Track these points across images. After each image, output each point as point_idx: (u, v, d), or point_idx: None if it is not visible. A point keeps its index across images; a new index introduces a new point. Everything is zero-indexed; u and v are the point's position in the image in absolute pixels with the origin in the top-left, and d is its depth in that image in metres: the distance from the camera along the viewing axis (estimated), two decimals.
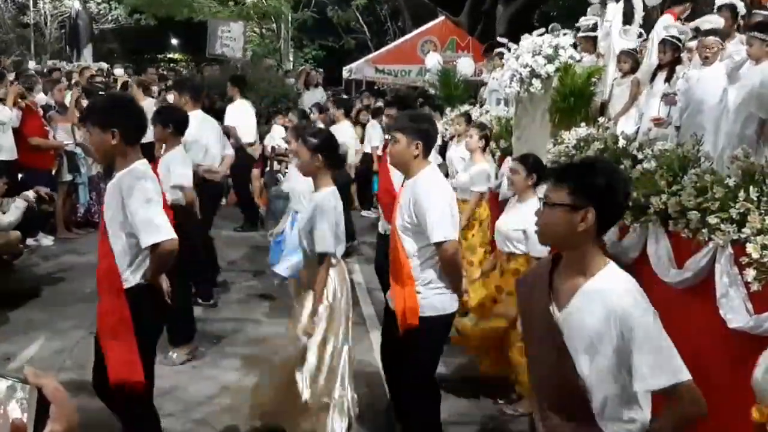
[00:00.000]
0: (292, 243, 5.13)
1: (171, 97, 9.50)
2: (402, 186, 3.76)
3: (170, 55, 32.47)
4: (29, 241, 8.01)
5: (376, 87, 18.53)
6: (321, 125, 7.95)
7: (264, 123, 10.78)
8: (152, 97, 11.26)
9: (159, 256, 3.23)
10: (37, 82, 9.22)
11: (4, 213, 6.49)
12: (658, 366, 2.05)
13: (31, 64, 15.22)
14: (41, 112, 8.48)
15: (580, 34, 8.39)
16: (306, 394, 3.76)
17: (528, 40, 6.52)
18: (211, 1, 21.20)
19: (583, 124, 5.68)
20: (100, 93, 9.95)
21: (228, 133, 8.21)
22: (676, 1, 7.89)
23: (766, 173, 3.39)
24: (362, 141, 10.70)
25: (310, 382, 3.78)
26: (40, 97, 8.99)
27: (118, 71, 15.35)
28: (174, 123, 5.20)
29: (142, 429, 3.58)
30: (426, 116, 4.07)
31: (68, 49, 19.16)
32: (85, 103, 9.23)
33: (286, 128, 9.41)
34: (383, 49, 18.27)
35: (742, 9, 7.73)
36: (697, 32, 6.86)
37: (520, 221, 4.36)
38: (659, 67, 7.01)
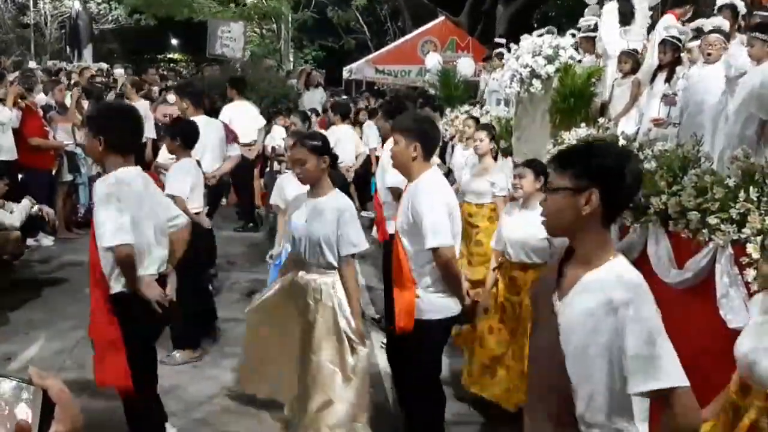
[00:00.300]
0: None
1: (171, 97, 9.51)
2: (405, 189, 3.74)
3: (170, 56, 32.46)
4: (29, 242, 8.00)
5: (376, 87, 18.54)
6: (317, 128, 8.03)
7: (264, 123, 10.78)
8: (150, 97, 11.28)
9: (117, 260, 3.33)
10: (38, 82, 9.22)
11: (11, 213, 6.55)
12: (650, 367, 1.88)
13: (32, 65, 15.22)
14: (41, 112, 8.48)
15: (580, 35, 8.40)
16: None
17: (528, 41, 6.53)
18: (211, 1, 21.20)
19: (583, 124, 5.69)
20: (101, 94, 9.99)
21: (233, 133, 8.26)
22: (677, 3, 7.90)
23: (766, 174, 3.39)
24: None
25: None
26: (41, 98, 9.00)
27: (118, 71, 15.36)
28: (181, 136, 5.31)
29: (141, 428, 3.65)
30: (426, 118, 4.03)
31: (68, 49, 19.17)
32: (85, 104, 9.24)
33: (286, 129, 9.42)
34: (383, 50, 18.28)
35: (742, 9, 7.74)
36: (698, 32, 6.86)
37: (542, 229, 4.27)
38: (659, 68, 7.01)
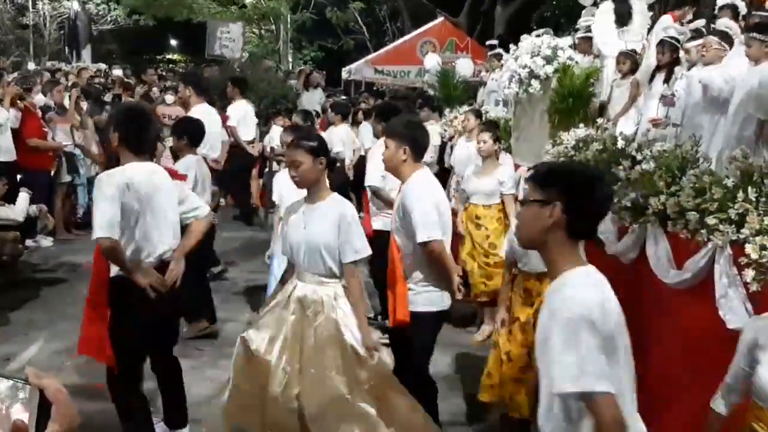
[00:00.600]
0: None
1: (170, 98, 9.51)
2: (399, 191, 3.88)
3: (169, 56, 32.43)
4: (29, 242, 8.01)
5: (375, 88, 18.54)
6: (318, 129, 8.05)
7: (263, 124, 10.79)
8: (150, 97, 11.30)
9: (102, 251, 3.55)
10: (36, 83, 9.22)
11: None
12: (564, 369, 1.99)
13: (31, 65, 15.23)
14: (40, 113, 8.48)
15: (579, 35, 8.41)
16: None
17: (527, 41, 6.53)
18: (211, 2, 21.20)
19: (581, 125, 5.69)
20: (99, 95, 9.99)
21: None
22: (678, 3, 7.91)
23: (764, 174, 3.39)
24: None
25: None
26: (39, 98, 9.00)
27: (117, 72, 15.37)
28: (188, 135, 5.40)
29: (129, 416, 3.82)
30: (414, 122, 4.18)
31: (67, 50, 19.17)
32: (84, 105, 9.23)
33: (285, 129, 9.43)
34: (382, 50, 18.28)
35: (743, 9, 7.75)
36: (698, 33, 6.87)
37: None
38: (658, 68, 7.01)
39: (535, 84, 6.31)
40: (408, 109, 7.22)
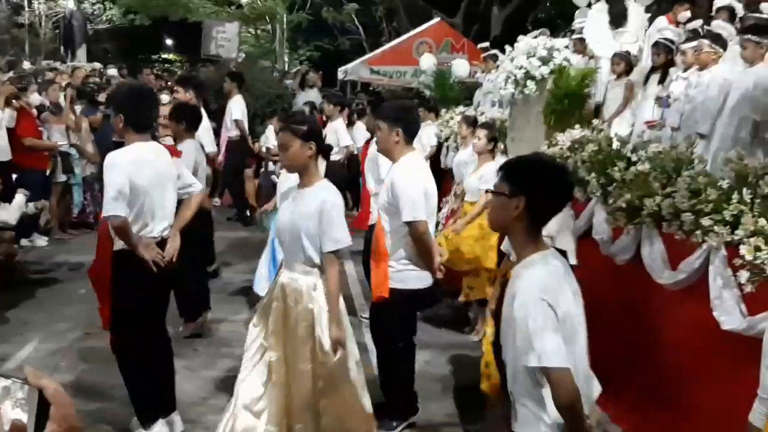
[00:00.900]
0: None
1: (165, 98, 9.50)
2: (388, 171, 4.10)
3: (165, 56, 32.35)
4: (24, 242, 7.99)
5: (371, 88, 18.52)
6: None
7: (259, 123, 10.79)
8: None
9: (111, 227, 3.76)
10: (32, 82, 9.19)
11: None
12: (526, 346, 2.22)
13: (26, 65, 15.16)
14: (35, 112, 8.46)
15: (574, 36, 8.43)
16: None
17: (523, 42, 6.54)
18: (206, 1, 21.15)
19: (577, 125, 5.70)
20: (93, 94, 9.96)
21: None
22: (674, 2, 7.91)
23: (759, 175, 3.41)
24: None
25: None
26: (35, 98, 8.96)
27: (112, 71, 15.32)
28: (186, 119, 5.54)
29: (134, 387, 3.94)
30: (405, 105, 4.46)
31: (62, 49, 19.11)
32: (78, 108, 9.17)
33: None
34: (378, 50, 18.23)
35: (740, 11, 7.77)
36: (694, 34, 6.89)
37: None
38: (652, 70, 7.03)
39: (531, 85, 6.32)
40: None
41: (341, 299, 3.59)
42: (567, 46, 6.66)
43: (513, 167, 2.48)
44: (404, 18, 21.66)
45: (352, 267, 7.95)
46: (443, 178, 7.54)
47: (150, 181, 3.75)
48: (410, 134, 4.00)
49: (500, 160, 6.15)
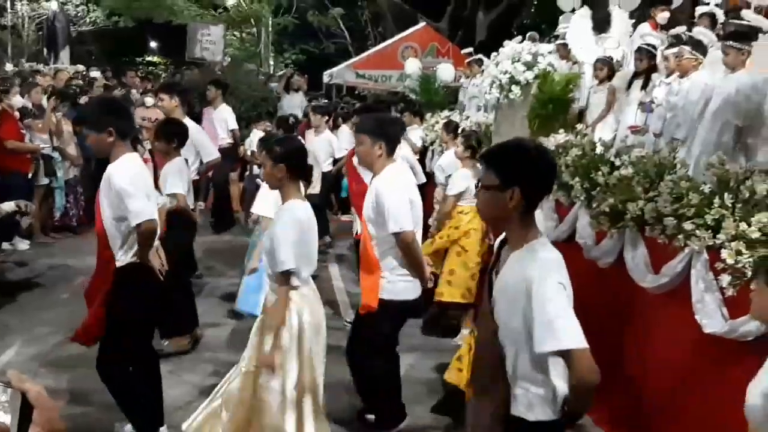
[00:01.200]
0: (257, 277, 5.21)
1: (150, 100, 9.45)
2: (370, 182, 4.05)
3: (149, 58, 32.17)
4: (5, 245, 7.91)
5: (357, 92, 18.52)
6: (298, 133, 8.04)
7: (244, 127, 10.76)
8: (129, 100, 11.22)
9: (141, 234, 3.69)
10: (14, 84, 9.11)
11: None
12: (548, 331, 2.18)
13: (8, 66, 15.04)
14: (18, 115, 8.38)
15: (557, 42, 8.49)
16: None
17: (508, 47, 6.59)
18: (191, 4, 21.08)
19: (561, 130, 5.74)
20: (75, 97, 9.88)
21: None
22: (654, 3, 7.97)
23: (740, 180, 3.45)
24: None
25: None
26: (17, 100, 8.88)
27: (95, 73, 15.22)
28: (177, 137, 5.40)
29: (132, 406, 3.91)
30: (388, 118, 4.43)
31: (45, 51, 18.96)
32: (60, 115, 9.05)
33: (266, 133, 9.40)
34: (364, 54, 18.25)
35: (721, 17, 7.87)
36: (677, 39, 6.97)
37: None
38: (635, 75, 7.09)
39: (516, 90, 6.36)
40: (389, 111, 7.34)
41: (317, 311, 3.65)
42: (551, 52, 6.71)
43: (499, 157, 2.43)
44: (390, 22, 21.70)
45: (336, 270, 7.96)
46: (428, 181, 7.57)
47: (147, 192, 3.82)
48: (392, 147, 3.98)
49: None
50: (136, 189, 3.66)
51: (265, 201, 5.39)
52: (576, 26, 7.99)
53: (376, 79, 16.84)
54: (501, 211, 2.36)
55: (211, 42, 15.96)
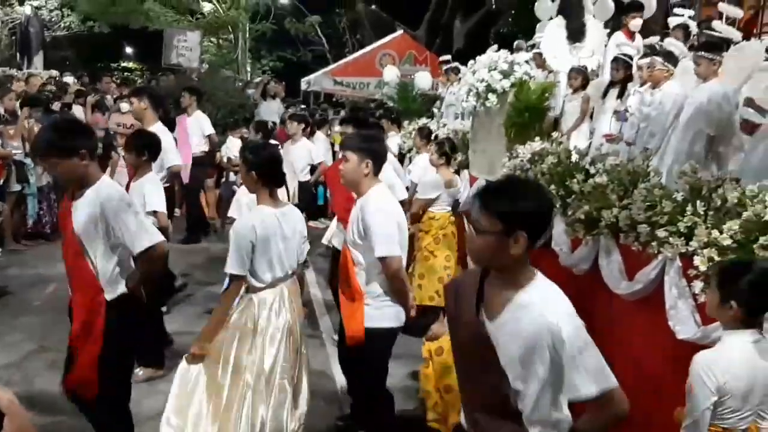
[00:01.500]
0: None
1: (125, 106, 9.36)
2: (354, 203, 3.86)
3: (125, 64, 31.94)
4: None
5: (334, 99, 18.55)
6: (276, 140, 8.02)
7: (221, 133, 10.70)
8: (105, 106, 11.12)
9: (150, 258, 3.40)
10: None
11: None
12: (589, 377, 2.13)
13: None
14: None
15: (534, 51, 8.57)
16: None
17: (485, 56, 6.64)
18: (168, 10, 20.95)
19: (537, 138, 5.78)
20: (48, 103, 9.76)
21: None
22: (630, 7, 8.07)
23: (712, 188, 3.49)
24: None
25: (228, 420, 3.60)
26: None
27: (69, 79, 15.07)
28: (149, 149, 5.19)
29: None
30: (375, 136, 4.21)
31: (19, 56, 18.74)
32: (32, 121, 8.89)
33: (242, 139, 9.37)
34: (342, 62, 18.30)
35: (694, 29, 8.00)
36: (651, 49, 7.07)
37: None
38: (611, 84, 7.18)
39: (492, 98, 6.40)
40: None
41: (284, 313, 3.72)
42: (527, 61, 6.77)
43: (498, 199, 2.20)
44: (368, 30, 21.76)
45: (313, 277, 7.93)
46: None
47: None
48: (379, 166, 3.82)
49: (464, 173, 6.31)
50: (128, 209, 3.38)
51: (240, 204, 5.41)
52: (550, 35, 8.07)
53: (353, 87, 16.90)
54: (502, 258, 2.19)
55: (187, 48, 15.87)
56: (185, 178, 8.35)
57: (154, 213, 5.11)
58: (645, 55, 6.83)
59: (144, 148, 5.16)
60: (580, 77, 7.50)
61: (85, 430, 3.99)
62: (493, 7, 19.78)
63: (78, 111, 10.88)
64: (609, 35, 8.41)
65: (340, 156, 4.30)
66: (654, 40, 8.35)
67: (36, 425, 0.96)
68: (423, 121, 9.69)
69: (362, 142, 3.83)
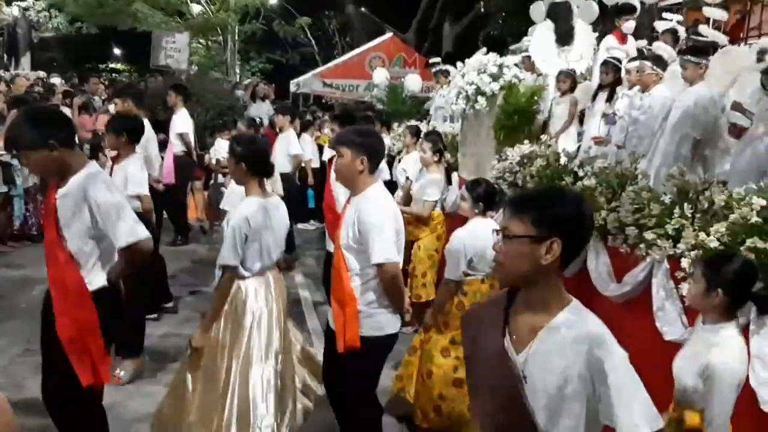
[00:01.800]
0: None
1: (112, 108, 9.33)
2: (348, 202, 3.64)
3: (113, 65, 31.74)
4: None
5: (323, 101, 18.54)
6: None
7: (209, 135, 10.67)
8: (92, 106, 11.07)
9: (132, 254, 3.31)
10: None
11: None
12: (640, 416, 1.85)
13: None
14: None
15: (523, 54, 8.60)
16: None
17: (474, 59, 6.66)
18: (156, 11, 20.86)
19: (526, 141, 5.80)
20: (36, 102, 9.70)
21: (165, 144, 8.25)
22: (623, 10, 8.11)
23: (699, 191, 3.52)
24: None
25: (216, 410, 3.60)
26: None
27: (56, 80, 14.99)
28: (127, 131, 5.12)
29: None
30: (372, 131, 3.99)
31: (6, 57, 18.62)
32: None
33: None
34: (331, 64, 18.31)
35: (683, 34, 8.05)
36: (639, 54, 7.11)
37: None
38: (600, 87, 7.22)
39: (482, 100, 6.42)
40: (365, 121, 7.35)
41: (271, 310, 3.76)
42: (517, 64, 6.80)
43: (534, 202, 1.99)
44: (358, 32, 21.78)
45: (302, 279, 7.92)
46: (393, 190, 7.61)
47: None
48: (375, 163, 3.54)
49: (442, 171, 6.30)
50: (118, 201, 3.26)
51: (235, 195, 5.37)
52: (540, 38, 8.10)
53: (343, 89, 16.90)
54: (533, 268, 1.92)
55: (176, 50, 15.80)
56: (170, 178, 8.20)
57: (138, 197, 5.06)
58: (634, 59, 6.87)
59: (123, 130, 5.09)
60: (569, 80, 7.53)
61: None
62: (482, 10, 19.84)
63: (65, 112, 10.81)
64: (598, 39, 8.45)
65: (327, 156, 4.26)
66: (642, 44, 8.41)
67: (23, 428, 0.96)
68: (412, 123, 9.71)
69: (357, 136, 3.54)
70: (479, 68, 6.48)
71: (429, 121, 9.88)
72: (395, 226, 3.48)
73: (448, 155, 6.71)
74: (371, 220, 3.37)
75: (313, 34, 25.31)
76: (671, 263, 3.39)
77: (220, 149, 9.47)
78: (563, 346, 1.90)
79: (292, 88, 17.45)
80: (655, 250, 3.47)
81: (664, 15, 8.87)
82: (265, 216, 3.70)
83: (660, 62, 6.28)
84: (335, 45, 25.51)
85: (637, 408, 1.85)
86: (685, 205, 3.45)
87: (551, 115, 7.64)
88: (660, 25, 8.50)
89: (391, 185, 7.59)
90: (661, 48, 7.08)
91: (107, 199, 3.22)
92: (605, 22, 9.34)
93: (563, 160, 4.96)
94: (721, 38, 7.77)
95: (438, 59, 11.83)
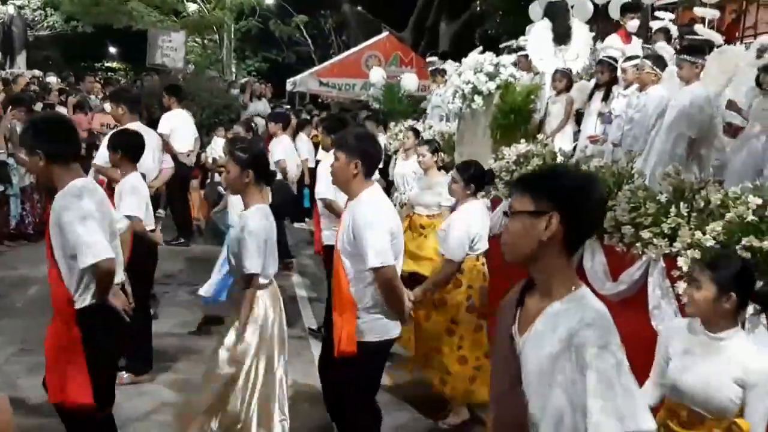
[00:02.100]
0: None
1: (108, 107, 9.29)
2: (345, 207, 3.67)
3: (108, 64, 31.68)
4: None
5: (320, 100, 18.52)
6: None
7: (205, 134, 10.65)
8: (88, 105, 11.05)
9: (98, 276, 3.19)
10: None
11: None
12: (611, 411, 1.73)
13: None
14: None
15: (520, 53, 8.60)
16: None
17: (470, 58, 6.67)
18: (152, 10, 20.83)
19: (522, 140, 5.81)
20: (31, 103, 9.67)
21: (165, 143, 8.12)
22: (628, 9, 8.12)
23: (695, 190, 3.53)
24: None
25: (242, 411, 3.64)
26: None
27: (51, 79, 14.95)
28: (123, 148, 4.89)
29: None
30: (368, 135, 3.95)
31: (1, 56, 18.56)
32: (15, 124, 8.81)
33: (227, 140, 9.32)
34: (327, 63, 18.27)
35: (675, 33, 8.06)
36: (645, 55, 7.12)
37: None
38: (596, 87, 7.23)
39: (478, 100, 6.43)
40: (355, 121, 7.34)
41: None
42: (514, 63, 6.81)
43: (536, 179, 1.99)
44: (355, 31, 21.77)
45: (299, 279, 7.92)
46: (391, 189, 7.61)
47: (104, 223, 3.31)
48: (370, 167, 3.51)
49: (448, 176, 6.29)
50: (86, 216, 3.15)
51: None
52: (536, 37, 8.10)
53: (339, 88, 16.87)
54: (532, 244, 1.87)
55: (172, 48, 15.76)
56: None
57: (129, 218, 4.74)
58: (630, 58, 6.88)
59: (118, 147, 4.89)
60: (565, 79, 7.53)
61: None
62: (479, 9, 19.86)
63: (61, 111, 10.79)
64: (594, 39, 8.46)
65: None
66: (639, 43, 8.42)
67: (19, 428, 0.95)
68: (409, 122, 9.71)
69: (352, 140, 3.50)
70: (476, 67, 6.49)
71: (425, 120, 9.88)
72: (390, 229, 3.43)
73: (443, 155, 6.71)
74: (365, 225, 3.34)
75: (309, 32, 25.29)
76: (667, 262, 3.40)
77: (217, 148, 9.45)
78: (555, 329, 1.85)
79: (289, 87, 17.43)
80: (651, 249, 3.48)
81: (657, 14, 8.89)
82: (272, 222, 3.75)
83: (660, 62, 6.29)
84: (331, 44, 25.50)
85: (611, 405, 1.73)
86: (681, 203, 3.46)
87: (547, 114, 7.65)
88: (653, 24, 8.52)
89: (387, 186, 7.61)
90: (662, 48, 7.09)
91: (70, 218, 3.13)
92: (598, 22, 9.35)
93: (560, 159, 4.97)
94: (717, 37, 7.79)
95: (434, 58, 11.83)
